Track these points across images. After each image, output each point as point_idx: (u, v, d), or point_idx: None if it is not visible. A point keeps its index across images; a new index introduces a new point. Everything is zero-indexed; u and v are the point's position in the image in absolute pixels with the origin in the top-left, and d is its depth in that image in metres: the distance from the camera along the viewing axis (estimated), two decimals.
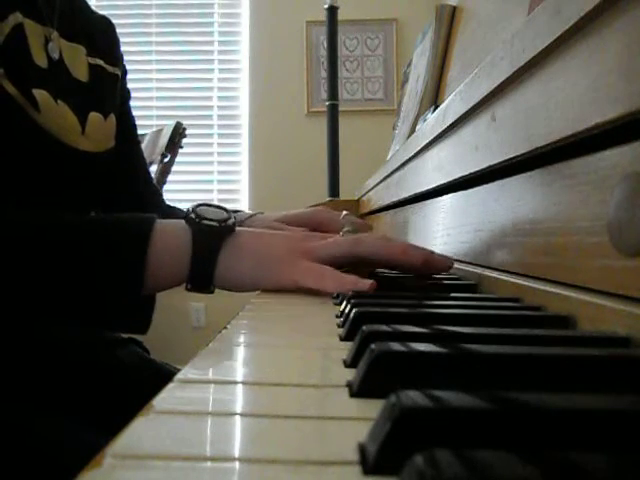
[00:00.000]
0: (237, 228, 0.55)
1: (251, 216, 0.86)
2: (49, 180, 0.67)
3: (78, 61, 0.74)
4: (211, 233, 0.53)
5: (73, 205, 0.69)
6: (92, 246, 0.52)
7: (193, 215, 0.54)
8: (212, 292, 0.54)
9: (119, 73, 0.82)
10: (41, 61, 0.66)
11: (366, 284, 0.48)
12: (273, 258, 0.53)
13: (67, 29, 0.72)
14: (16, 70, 0.62)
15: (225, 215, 0.55)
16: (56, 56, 0.69)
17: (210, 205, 0.56)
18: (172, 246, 0.53)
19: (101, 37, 0.80)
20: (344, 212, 0.85)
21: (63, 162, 0.68)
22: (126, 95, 0.87)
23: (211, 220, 0.54)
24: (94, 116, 0.73)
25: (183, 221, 0.54)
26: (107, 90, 0.78)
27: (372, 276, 0.53)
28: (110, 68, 0.80)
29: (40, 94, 0.64)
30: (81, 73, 0.74)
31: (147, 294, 0.53)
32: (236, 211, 0.82)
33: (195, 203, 0.56)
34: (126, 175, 0.87)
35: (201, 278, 0.53)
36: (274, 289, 0.54)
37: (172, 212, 0.91)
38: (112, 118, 0.77)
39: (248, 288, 0.55)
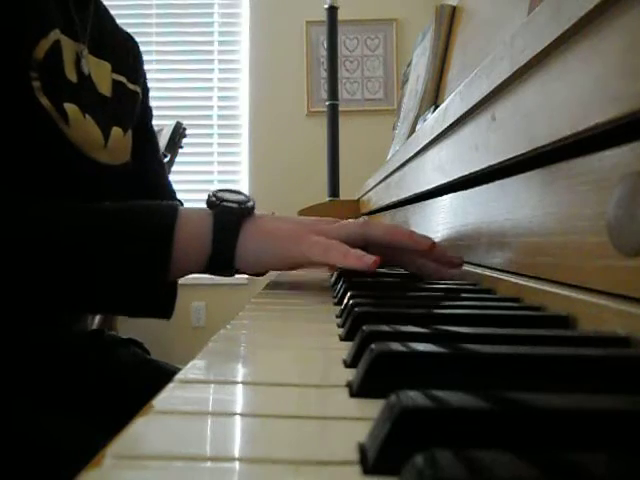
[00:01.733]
0: (256, 212, 0.56)
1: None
2: (66, 189, 0.68)
3: (103, 77, 0.75)
4: (231, 214, 0.55)
5: None
6: (118, 233, 0.53)
7: (214, 198, 0.56)
8: (232, 275, 0.56)
9: (139, 91, 0.83)
10: (72, 76, 0.68)
11: (370, 259, 0.49)
12: (287, 236, 0.55)
13: (95, 46, 0.74)
14: (51, 85, 0.63)
15: (244, 198, 0.57)
16: (86, 72, 0.70)
17: (230, 190, 0.58)
18: (195, 230, 0.54)
19: (125, 55, 0.82)
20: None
21: (82, 173, 0.69)
22: (149, 114, 0.89)
23: (231, 202, 0.55)
24: (116, 130, 0.74)
25: (205, 206, 0.56)
26: (127, 106, 0.80)
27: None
28: (131, 85, 0.81)
29: (70, 108, 0.65)
30: (105, 88, 0.75)
31: (172, 279, 0.54)
32: None
33: (215, 189, 0.58)
34: (147, 188, 0.88)
35: (222, 259, 0.54)
36: (287, 266, 0.57)
37: None
38: (129, 133, 0.79)
39: (265, 266, 0.57)
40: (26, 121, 0.62)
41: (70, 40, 0.67)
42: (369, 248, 0.55)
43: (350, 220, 0.59)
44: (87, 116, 0.68)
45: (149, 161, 0.88)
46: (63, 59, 0.66)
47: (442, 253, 0.56)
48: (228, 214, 0.55)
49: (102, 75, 0.75)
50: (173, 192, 0.96)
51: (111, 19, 0.83)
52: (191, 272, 0.56)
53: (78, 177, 0.69)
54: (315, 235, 0.54)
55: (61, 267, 0.52)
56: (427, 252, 0.54)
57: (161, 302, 0.55)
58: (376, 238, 0.55)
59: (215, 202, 0.55)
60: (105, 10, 0.81)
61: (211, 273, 0.56)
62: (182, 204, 0.97)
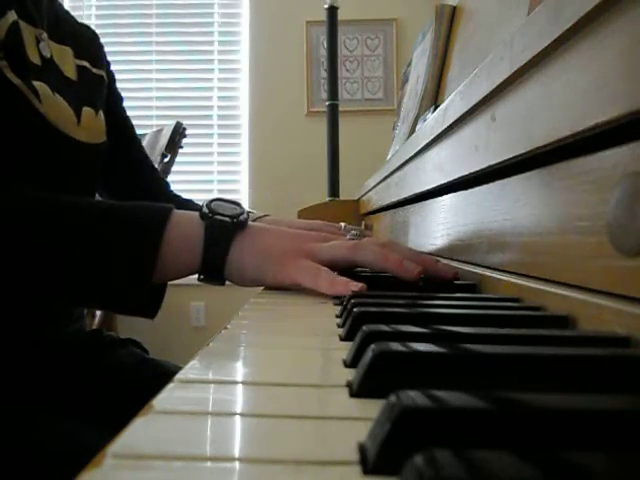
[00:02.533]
0: (249, 223, 0.57)
1: (260, 217, 0.87)
2: (47, 166, 0.69)
3: (67, 61, 0.76)
4: (223, 228, 0.55)
5: (68, 193, 0.70)
6: (108, 231, 0.53)
7: (207, 210, 0.56)
8: (223, 284, 0.57)
9: (104, 75, 0.85)
10: (35, 58, 0.68)
11: (356, 287, 0.50)
12: (278, 256, 0.55)
13: (54, 32, 0.75)
14: (17, 63, 0.64)
15: (238, 210, 0.57)
16: (47, 55, 0.71)
17: (225, 200, 0.58)
18: (185, 238, 0.55)
19: (86, 42, 0.83)
20: (342, 224, 0.90)
21: (61, 150, 0.70)
22: (117, 100, 0.91)
23: (224, 215, 0.55)
24: (87, 110, 0.75)
25: (197, 214, 0.56)
26: (95, 89, 0.81)
27: (362, 277, 0.54)
28: (95, 70, 0.82)
29: (40, 86, 0.66)
30: (70, 72, 0.76)
31: (158, 282, 0.54)
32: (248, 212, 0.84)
33: (211, 198, 0.58)
34: (131, 170, 0.91)
35: (212, 271, 0.55)
36: (276, 285, 0.57)
37: (179, 202, 0.94)
38: (101, 114, 0.80)
39: (254, 283, 0.57)
40: None
41: (27, 24, 0.68)
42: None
43: (341, 241, 0.58)
44: (56, 95, 0.69)
45: (129, 139, 0.91)
46: (24, 40, 0.66)
47: (434, 272, 0.55)
48: (220, 227, 0.55)
49: (65, 59, 0.76)
50: (155, 169, 0.97)
51: (67, 12, 0.84)
52: (180, 276, 0.56)
53: (58, 155, 0.70)
54: (306, 257, 0.55)
55: (49, 258, 0.52)
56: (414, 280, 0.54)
57: (146, 301, 0.55)
58: (365, 264, 0.56)
59: (207, 214, 0.55)
60: (60, 5, 0.82)
61: (201, 281, 0.56)
62: (168, 184, 0.98)
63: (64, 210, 0.54)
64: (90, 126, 0.75)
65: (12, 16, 0.65)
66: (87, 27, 0.88)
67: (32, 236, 0.52)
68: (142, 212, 0.55)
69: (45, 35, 0.71)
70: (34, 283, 0.54)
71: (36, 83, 0.65)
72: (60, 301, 0.67)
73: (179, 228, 0.54)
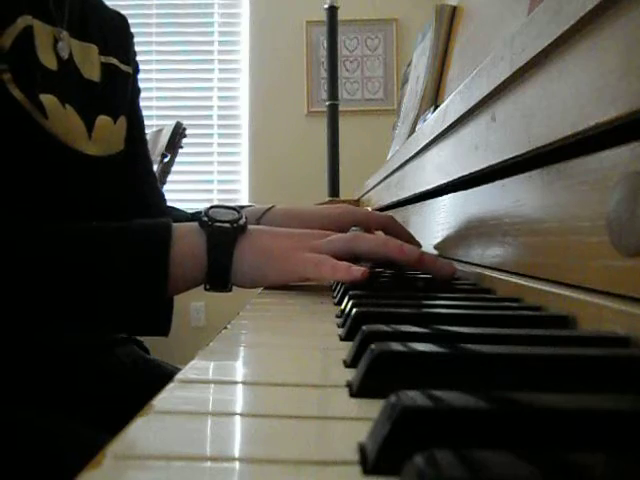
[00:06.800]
0: (248, 227, 0.57)
1: (268, 209, 0.84)
2: (56, 185, 0.67)
3: (90, 61, 0.73)
4: (224, 234, 0.55)
5: (81, 210, 0.69)
6: (114, 256, 0.53)
7: (206, 218, 0.56)
8: (230, 290, 0.57)
9: (131, 72, 0.81)
10: (50, 62, 0.66)
11: (358, 271, 0.50)
12: (280, 254, 0.56)
13: (79, 29, 0.71)
14: (23, 74, 0.61)
15: (236, 216, 0.57)
16: (65, 55, 0.68)
17: (222, 207, 0.59)
18: (189, 251, 0.55)
19: (115, 35, 0.79)
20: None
21: (70, 167, 0.68)
22: (136, 93, 0.85)
23: (223, 222, 0.56)
24: (103, 119, 0.72)
25: (197, 225, 0.56)
26: (119, 90, 0.78)
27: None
28: (123, 66, 0.79)
29: (47, 99, 0.63)
30: (93, 73, 0.73)
31: (168, 296, 0.55)
32: (248, 206, 0.83)
33: (208, 205, 0.58)
34: (130, 174, 0.85)
35: (218, 278, 0.55)
36: (282, 283, 0.57)
37: (173, 213, 0.91)
38: (122, 121, 0.76)
39: (259, 283, 0.57)
40: None
41: (45, 25, 0.65)
42: (361, 259, 0.56)
43: (340, 235, 0.58)
44: (67, 106, 0.66)
45: (138, 139, 0.84)
46: (35, 45, 0.64)
47: (432, 264, 0.55)
48: (221, 233, 0.55)
49: (88, 59, 0.73)
50: (153, 174, 0.91)
51: (97, 1, 0.80)
52: (188, 288, 0.56)
53: (66, 170, 0.67)
54: (306, 251, 0.55)
55: (60, 287, 0.52)
56: (416, 265, 0.54)
57: (159, 320, 0.55)
58: (365, 253, 0.56)
59: (207, 223, 0.55)
60: None
61: (208, 290, 0.57)
62: (163, 195, 0.94)
63: (66, 239, 0.54)
64: (103, 138, 0.72)
65: (24, 21, 0.62)
66: (117, 14, 0.83)
67: (40, 267, 0.52)
68: (145, 234, 0.55)
69: (65, 34, 0.68)
70: (46, 312, 0.54)
71: (44, 96, 0.63)
72: (74, 329, 0.67)
73: (182, 243, 0.55)
